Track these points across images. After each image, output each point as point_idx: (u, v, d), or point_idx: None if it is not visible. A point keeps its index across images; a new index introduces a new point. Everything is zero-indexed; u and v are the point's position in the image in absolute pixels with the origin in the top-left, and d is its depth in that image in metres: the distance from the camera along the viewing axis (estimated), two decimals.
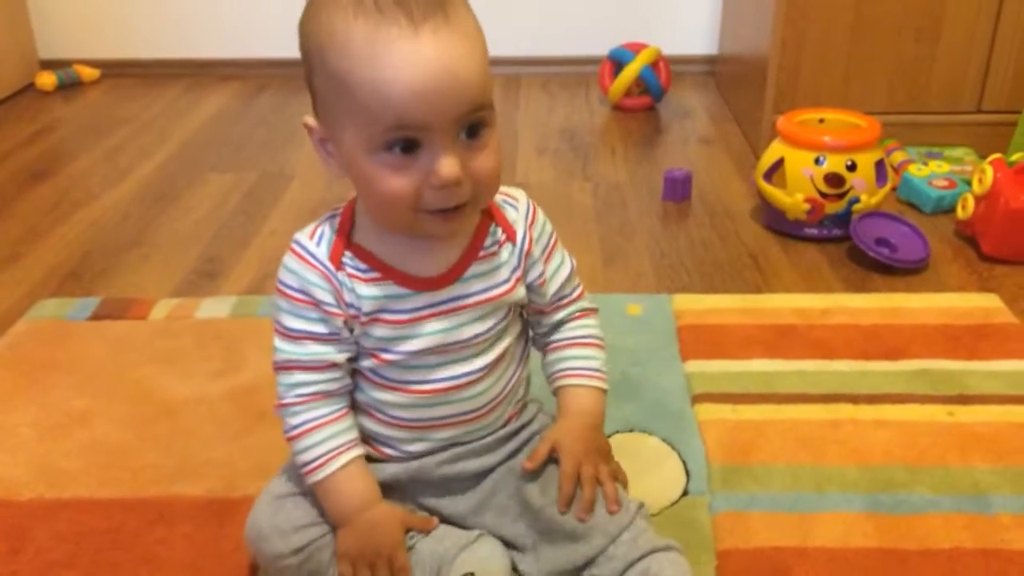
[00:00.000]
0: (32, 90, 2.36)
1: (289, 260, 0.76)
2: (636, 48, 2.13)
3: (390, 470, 0.81)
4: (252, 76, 2.42)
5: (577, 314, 0.86)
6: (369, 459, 0.81)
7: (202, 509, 0.93)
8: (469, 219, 0.74)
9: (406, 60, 0.64)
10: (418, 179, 0.68)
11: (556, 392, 0.85)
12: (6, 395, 1.13)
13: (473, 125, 0.68)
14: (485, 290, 0.78)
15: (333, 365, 0.77)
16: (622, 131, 2.05)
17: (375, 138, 0.67)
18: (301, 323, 0.76)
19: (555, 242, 0.83)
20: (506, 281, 0.79)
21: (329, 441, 0.77)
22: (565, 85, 2.35)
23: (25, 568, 0.87)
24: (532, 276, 0.81)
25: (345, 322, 0.76)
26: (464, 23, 0.67)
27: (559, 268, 0.83)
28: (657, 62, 2.13)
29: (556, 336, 0.86)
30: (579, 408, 0.83)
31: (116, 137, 2.05)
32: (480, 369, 0.79)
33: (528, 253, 0.80)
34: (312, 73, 0.70)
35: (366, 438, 0.82)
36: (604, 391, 0.85)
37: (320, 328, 0.76)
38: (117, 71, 2.46)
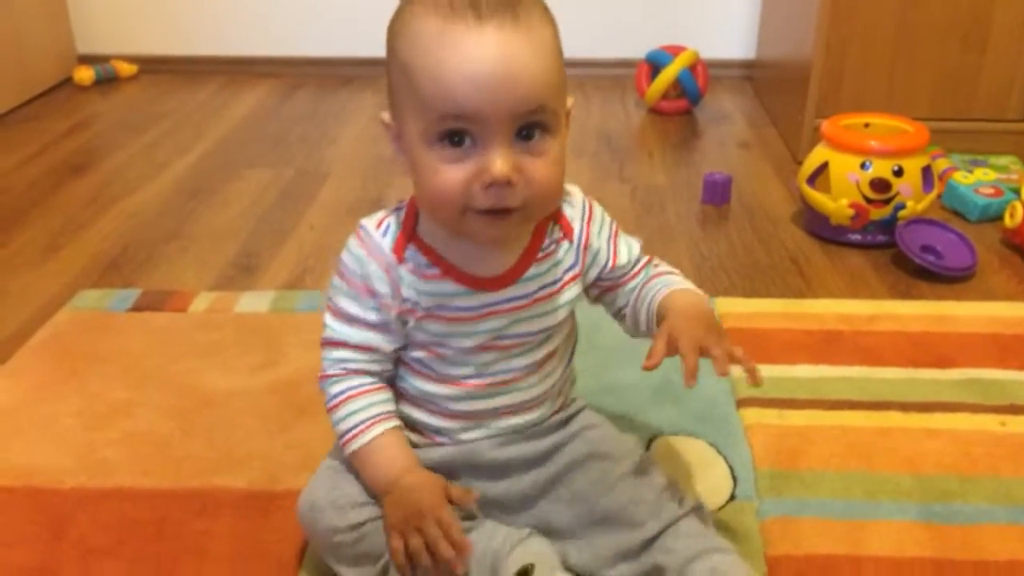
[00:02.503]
0: (70, 85, 2.38)
1: (354, 244, 0.77)
2: (674, 51, 2.12)
3: (441, 452, 0.81)
4: (288, 74, 2.42)
5: (654, 273, 0.84)
6: (418, 445, 0.81)
7: (245, 501, 0.93)
8: (516, 228, 0.73)
9: (465, 49, 0.65)
10: (468, 174, 0.68)
11: (657, 311, 0.80)
12: (49, 384, 1.13)
13: (529, 127, 0.68)
14: (542, 288, 0.79)
15: (379, 351, 0.78)
16: (659, 134, 2.04)
17: (430, 127, 0.68)
18: (355, 307, 0.77)
19: (617, 230, 0.84)
20: (559, 280, 0.79)
21: (369, 409, 0.78)
22: (600, 87, 2.34)
23: (66, 555, 0.87)
24: (599, 264, 0.82)
25: (398, 315, 0.77)
26: (534, 25, 0.68)
27: (629, 249, 0.84)
28: (695, 65, 2.11)
29: (642, 286, 0.83)
30: (685, 301, 0.79)
31: (153, 132, 2.06)
32: (528, 366, 0.80)
33: (587, 247, 0.80)
34: (389, 66, 0.72)
35: (415, 426, 0.82)
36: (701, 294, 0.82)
37: (372, 316, 0.77)
38: (154, 67, 2.47)
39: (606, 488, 0.79)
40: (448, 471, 0.81)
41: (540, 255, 0.78)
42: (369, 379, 0.79)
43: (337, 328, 0.78)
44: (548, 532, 0.80)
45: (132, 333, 1.24)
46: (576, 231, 0.80)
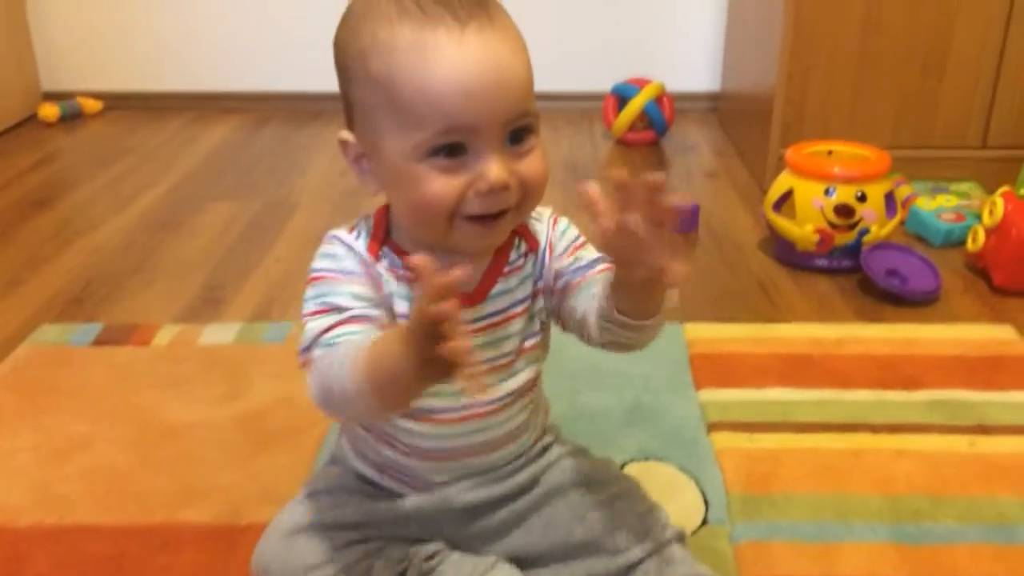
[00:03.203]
0: (35, 121, 2.36)
1: (324, 248, 0.73)
2: (640, 83, 2.14)
3: (412, 502, 0.79)
4: (255, 109, 2.42)
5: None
6: (391, 493, 0.79)
7: (208, 536, 0.90)
8: (505, 232, 0.72)
9: (453, 60, 0.63)
10: (464, 183, 0.66)
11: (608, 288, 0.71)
12: (6, 419, 1.10)
13: (518, 131, 0.67)
14: (512, 306, 0.76)
15: (360, 319, 0.68)
16: (626, 164, 2.05)
17: (423, 143, 0.65)
18: (334, 297, 0.69)
19: (584, 241, 0.78)
20: (527, 297, 0.77)
21: (354, 340, 0.66)
22: (569, 120, 2.36)
23: None
24: (558, 257, 0.76)
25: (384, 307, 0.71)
26: (508, 26, 0.67)
27: (593, 253, 0.77)
28: (661, 97, 2.14)
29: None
30: None
31: (119, 167, 2.04)
32: (503, 397, 0.77)
33: (551, 247, 0.77)
34: (350, 84, 0.69)
35: (386, 469, 0.79)
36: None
37: (352, 302, 0.69)
38: (120, 103, 2.45)
39: (583, 516, 0.77)
40: (422, 518, 0.79)
41: (507, 270, 0.76)
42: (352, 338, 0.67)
43: (316, 323, 0.68)
44: (522, 562, 0.78)
45: (93, 367, 1.21)
46: (541, 242, 0.77)
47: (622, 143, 2.18)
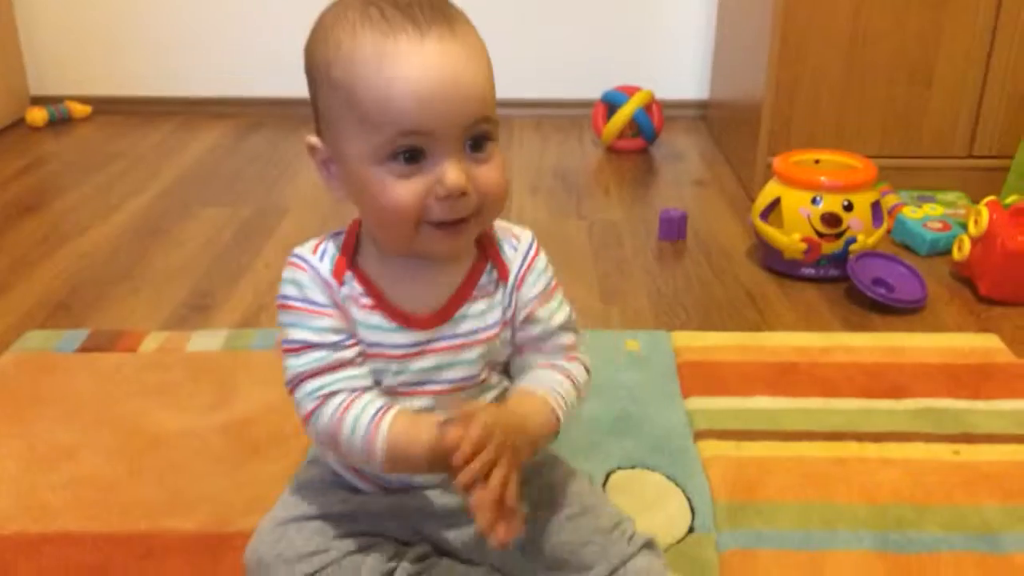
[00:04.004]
0: (22, 125, 2.35)
1: (289, 272, 0.75)
2: (630, 91, 2.15)
3: (389, 499, 0.79)
4: (244, 114, 2.41)
5: (565, 357, 0.80)
6: (363, 492, 0.79)
7: (193, 544, 0.90)
8: (470, 239, 0.73)
9: (413, 66, 0.65)
10: (423, 188, 0.67)
11: (514, 391, 0.77)
12: None
13: (477, 138, 0.68)
14: (475, 331, 0.76)
15: (345, 364, 0.73)
16: (616, 172, 2.06)
17: (381, 147, 0.67)
18: (306, 333, 0.73)
19: (553, 288, 0.79)
20: (497, 323, 0.77)
21: (364, 414, 0.71)
22: (558, 127, 2.37)
23: None
24: (520, 316, 0.77)
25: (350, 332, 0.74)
26: (469, 36, 0.68)
27: (553, 315, 0.78)
28: (650, 105, 2.15)
29: (539, 362, 0.80)
30: (527, 411, 0.73)
31: (107, 172, 2.04)
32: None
33: (518, 291, 0.77)
34: (317, 90, 0.71)
35: (361, 473, 0.79)
36: (558, 419, 0.75)
37: (329, 335, 0.73)
38: (109, 108, 2.45)
39: (555, 531, 0.77)
40: (402, 515, 0.79)
41: (475, 293, 0.76)
42: (347, 393, 0.72)
43: (295, 363, 0.73)
44: None
45: (79, 374, 1.21)
46: (512, 273, 0.77)
47: (611, 150, 2.19)
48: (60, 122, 2.37)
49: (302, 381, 0.73)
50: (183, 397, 1.15)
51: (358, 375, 0.74)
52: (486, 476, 0.64)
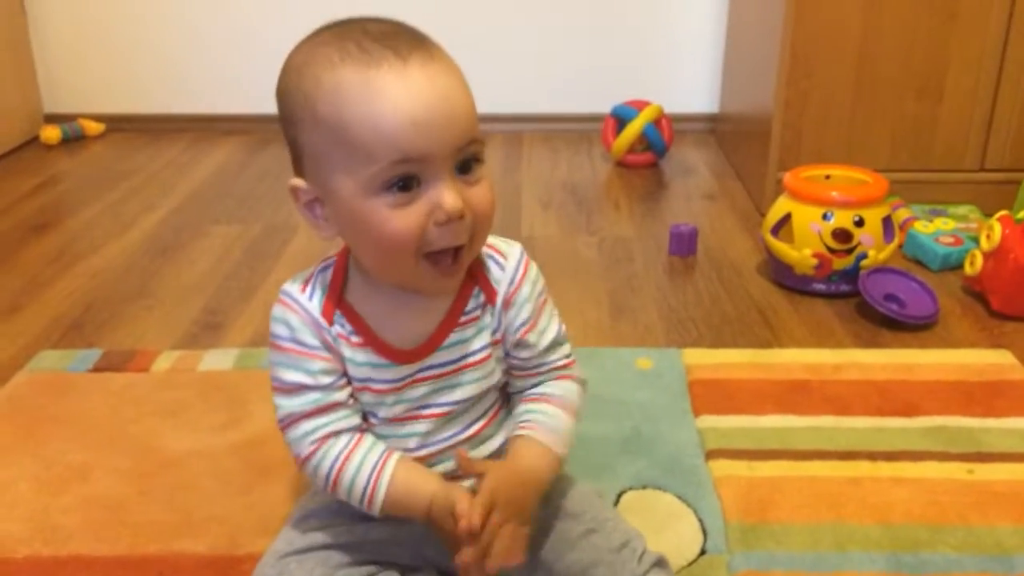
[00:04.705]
0: (36, 144, 2.37)
1: (279, 311, 0.75)
2: (639, 105, 2.15)
3: (391, 525, 0.79)
4: (255, 131, 2.43)
5: (557, 376, 0.81)
6: (373, 518, 0.79)
7: (204, 567, 0.90)
8: (463, 268, 0.73)
9: (401, 93, 0.65)
10: (422, 216, 0.67)
11: (513, 440, 0.79)
12: (4, 449, 1.10)
13: (467, 160, 0.69)
14: (466, 356, 0.77)
15: (338, 405, 0.75)
16: (625, 187, 2.06)
17: (375, 177, 0.66)
18: (297, 375, 0.74)
19: (543, 303, 0.80)
20: (485, 346, 0.77)
21: (365, 464, 0.74)
22: (568, 142, 2.37)
23: None
24: (510, 336, 0.78)
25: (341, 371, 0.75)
26: (446, 60, 0.69)
27: (543, 332, 0.79)
28: (660, 119, 2.15)
29: (531, 391, 0.81)
30: (528, 463, 0.75)
31: (119, 190, 2.05)
32: (468, 438, 0.79)
33: (506, 312, 0.77)
34: (299, 130, 0.70)
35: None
36: (558, 456, 0.78)
37: (320, 377, 0.74)
38: (121, 125, 2.47)
39: (564, 550, 0.77)
40: (405, 542, 0.79)
41: (462, 319, 0.76)
42: (347, 436, 0.75)
43: (288, 403, 0.74)
44: None
45: (92, 394, 1.21)
46: (500, 295, 0.77)
47: (621, 165, 2.19)
48: (73, 140, 2.39)
49: (295, 422, 0.74)
50: (195, 417, 1.16)
51: (351, 414, 0.75)
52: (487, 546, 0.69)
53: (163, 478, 1.04)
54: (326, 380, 0.74)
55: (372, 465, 0.73)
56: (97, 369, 1.28)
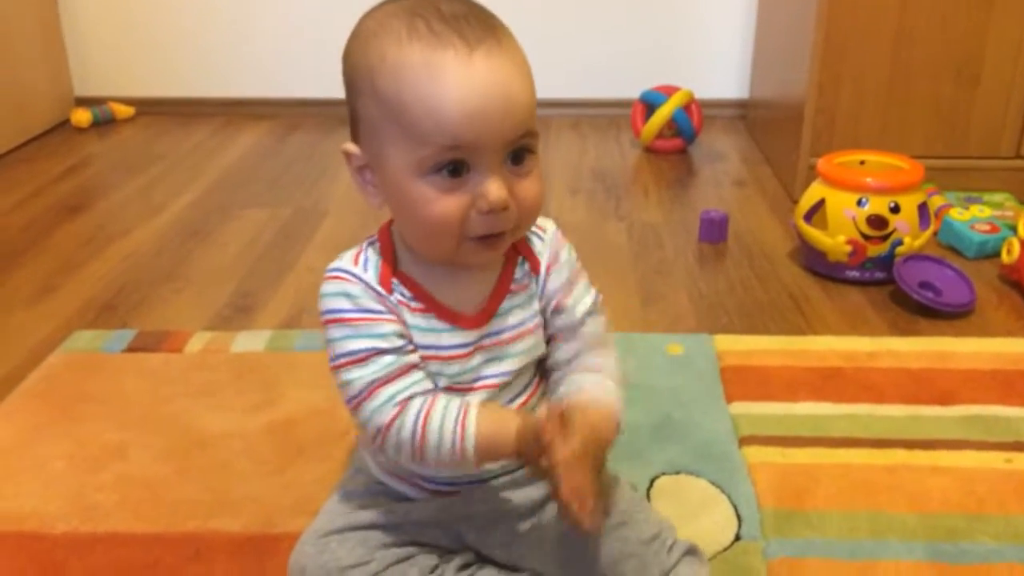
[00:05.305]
0: (67, 127, 2.39)
1: (334, 287, 0.73)
2: (668, 91, 2.13)
3: (433, 506, 0.79)
4: (285, 115, 2.43)
5: (596, 348, 0.81)
6: (409, 498, 0.79)
7: (240, 545, 0.91)
8: (505, 248, 0.73)
9: (461, 81, 0.65)
10: (466, 203, 0.68)
11: (571, 395, 0.77)
12: (40, 427, 1.11)
13: (519, 151, 0.69)
14: (522, 323, 0.77)
15: (413, 367, 0.73)
16: (654, 172, 2.05)
17: (426, 160, 0.67)
18: (370, 340, 0.71)
19: (577, 272, 0.81)
20: (537, 312, 0.79)
21: (448, 416, 0.71)
22: (596, 127, 2.36)
23: None
24: (550, 306, 0.79)
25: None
26: (514, 49, 0.69)
27: (579, 301, 0.80)
28: (689, 105, 2.13)
29: (576, 362, 0.80)
30: (599, 418, 0.73)
31: (150, 173, 2.07)
32: (511, 403, 0.79)
33: (547, 279, 0.79)
34: (358, 98, 0.70)
35: (405, 476, 0.80)
36: (618, 425, 0.76)
37: (395, 341, 0.72)
38: (152, 109, 2.48)
39: (595, 542, 0.77)
40: (445, 523, 0.79)
41: (513, 287, 0.77)
42: (421, 398, 0.72)
43: (363, 373, 0.71)
44: None
45: (126, 374, 1.22)
46: (542, 265, 0.78)
47: (650, 151, 2.17)
48: (104, 123, 2.41)
49: (375, 390, 0.71)
50: (228, 397, 1.17)
51: (426, 377, 0.74)
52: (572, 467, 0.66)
53: (198, 458, 1.05)
54: (399, 342, 0.72)
55: (455, 413, 0.71)
56: (131, 350, 1.29)
